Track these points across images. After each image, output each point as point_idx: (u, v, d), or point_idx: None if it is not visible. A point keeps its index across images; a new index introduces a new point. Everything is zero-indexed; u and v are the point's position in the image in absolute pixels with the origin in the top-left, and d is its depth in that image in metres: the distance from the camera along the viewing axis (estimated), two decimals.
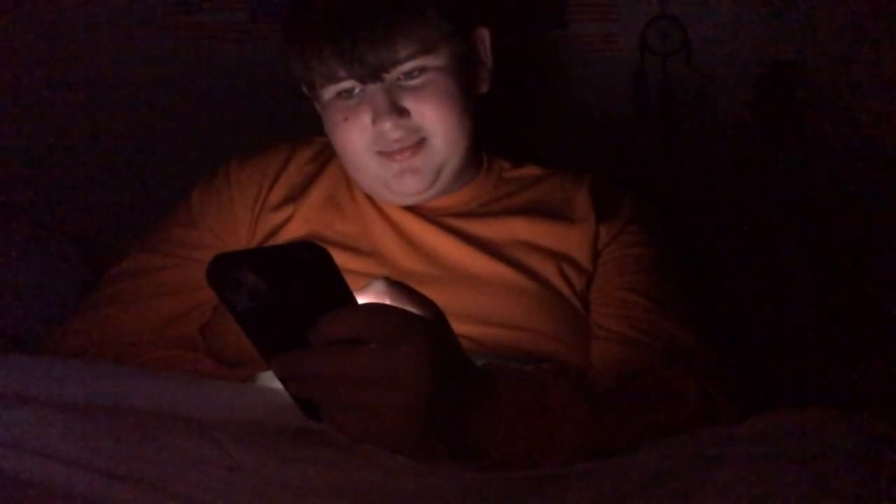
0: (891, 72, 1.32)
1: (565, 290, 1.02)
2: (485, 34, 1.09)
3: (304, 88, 1.09)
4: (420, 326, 0.70)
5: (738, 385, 0.95)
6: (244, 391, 0.87)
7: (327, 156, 1.13)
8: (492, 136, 1.14)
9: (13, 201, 1.41)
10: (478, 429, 0.74)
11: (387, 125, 0.99)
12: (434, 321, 0.73)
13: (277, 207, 1.09)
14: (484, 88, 1.10)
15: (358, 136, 1.01)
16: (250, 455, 0.69)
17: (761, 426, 0.68)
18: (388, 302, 0.72)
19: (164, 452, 0.69)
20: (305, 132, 1.16)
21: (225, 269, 0.69)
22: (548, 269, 1.03)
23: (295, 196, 1.10)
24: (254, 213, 1.09)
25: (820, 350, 1.30)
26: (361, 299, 0.72)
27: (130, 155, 1.43)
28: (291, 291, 0.69)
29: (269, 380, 0.87)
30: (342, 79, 1.00)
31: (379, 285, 0.73)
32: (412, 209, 1.08)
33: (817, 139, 1.35)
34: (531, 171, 1.15)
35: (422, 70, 1.00)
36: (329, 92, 1.02)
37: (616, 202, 1.10)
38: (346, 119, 1.02)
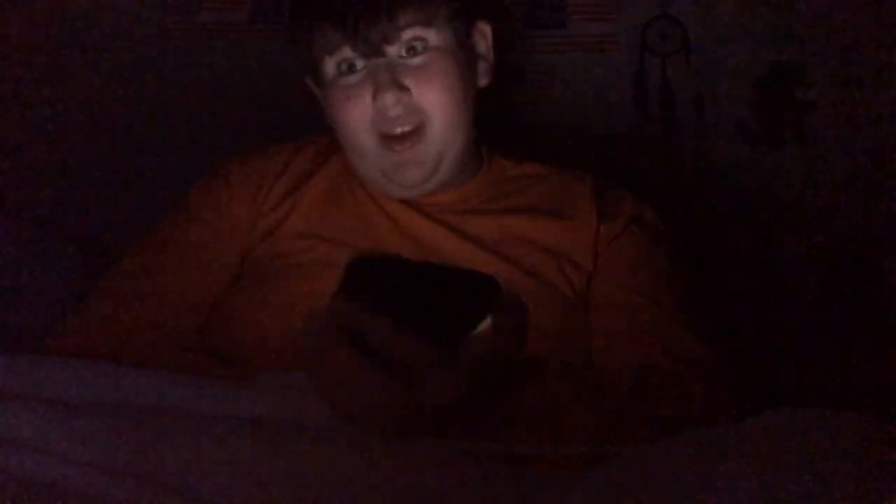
0: (891, 72, 1.32)
1: (566, 288, 1.02)
2: (486, 29, 1.10)
3: (309, 80, 1.09)
4: None
5: (738, 385, 0.95)
6: (244, 390, 0.87)
7: (329, 153, 1.13)
8: (492, 135, 1.14)
9: (13, 201, 1.41)
10: (479, 426, 0.74)
11: (387, 98, 0.99)
12: None
13: (276, 206, 1.09)
14: (484, 82, 1.10)
15: (359, 115, 1.01)
16: (252, 450, 0.70)
17: (761, 426, 0.68)
18: None
19: (164, 448, 0.69)
20: (305, 133, 1.16)
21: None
22: (548, 268, 1.03)
23: (293, 191, 1.09)
24: (252, 212, 1.09)
25: (820, 350, 1.30)
26: None
27: (130, 155, 1.43)
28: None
29: (269, 379, 0.87)
30: (342, 49, 1.01)
31: None
32: (412, 205, 1.07)
33: (817, 139, 1.35)
34: (532, 169, 1.14)
35: (424, 47, 1.01)
36: (331, 67, 1.03)
37: (617, 202, 1.10)
38: (347, 98, 1.02)
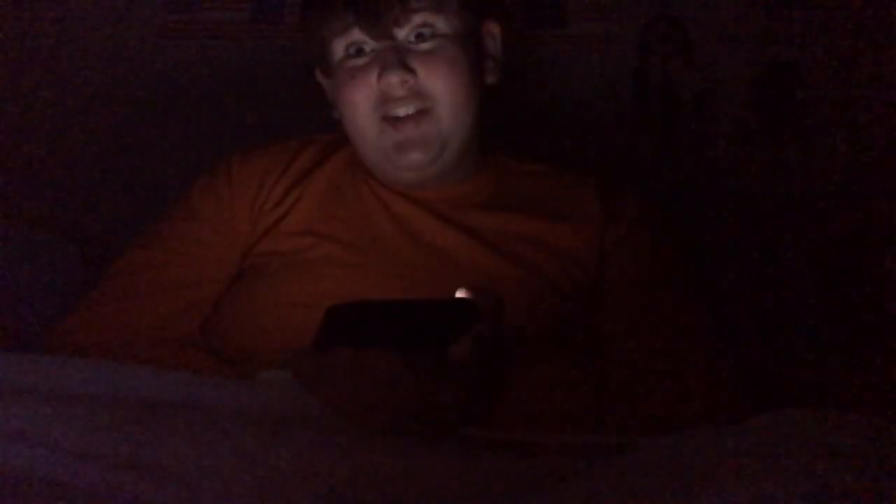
0: (891, 72, 1.32)
1: (567, 287, 1.02)
2: (495, 28, 1.10)
3: (318, 72, 1.09)
4: None
5: (738, 385, 0.95)
6: (246, 386, 0.87)
7: (332, 150, 1.13)
8: (495, 134, 1.14)
9: (13, 201, 1.41)
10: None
11: (393, 79, 0.99)
12: None
13: (278, 203, 1.08)
14: (491, 80, 1.10)
15: (364, 96, 1.02)
16: (257, 442, 0.70)
17: (761, 426, 0.68)
18: None
19: (166, 441, 0.69)
20: (305, 133, 1.16)
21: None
22: (549, 266, 1.03)
23: (295, 188, 1.09)
24: (253, 210, 1.09)
25: (820, 350, 1.30)
26: None
27: (130, 155, 1.43)
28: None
29: (270, 378, 0.87)
30: (352, 31, 1.01)
31: None
32: (415, 200, 1.07)
33: (817, 139, 1.35)
34: (535, 167, 1.14)
35: (432, 33, 1.02)
36: (339, 50, 1.03)
37: (622, 202, 1.10)
38: (352, 77, 1.02)
